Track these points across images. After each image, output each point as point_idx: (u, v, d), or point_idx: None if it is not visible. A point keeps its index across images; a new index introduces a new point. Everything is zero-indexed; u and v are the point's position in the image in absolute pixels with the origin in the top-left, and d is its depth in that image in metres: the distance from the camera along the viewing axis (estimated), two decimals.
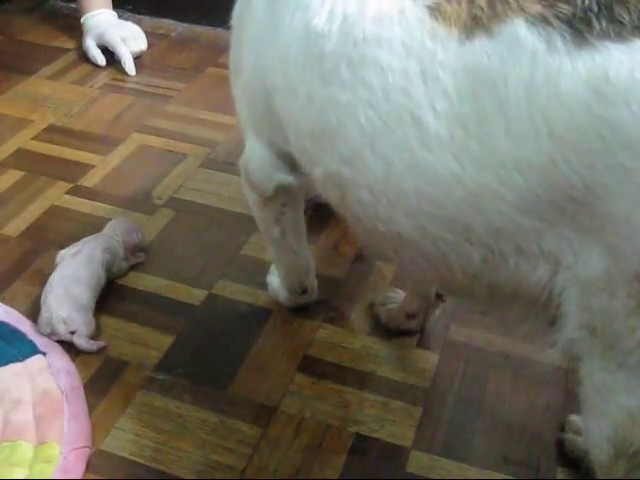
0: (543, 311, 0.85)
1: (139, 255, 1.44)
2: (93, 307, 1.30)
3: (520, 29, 0.74)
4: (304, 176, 1.04)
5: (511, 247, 0.80)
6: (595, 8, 0.71)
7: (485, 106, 0.75)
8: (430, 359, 1.27)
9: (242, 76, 1.07)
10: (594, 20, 0.71)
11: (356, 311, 1.36)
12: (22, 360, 1.20)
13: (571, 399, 1.18)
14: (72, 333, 1.25)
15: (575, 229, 0.75)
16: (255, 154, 1.11)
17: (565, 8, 0.72)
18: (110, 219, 1.53)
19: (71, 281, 1.29)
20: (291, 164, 1.07)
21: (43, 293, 1.29)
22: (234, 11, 1.09)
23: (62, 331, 1.24)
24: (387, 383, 1.22)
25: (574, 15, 0.72)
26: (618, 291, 0.74)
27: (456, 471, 1.09)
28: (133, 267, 1.43)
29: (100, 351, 1.25)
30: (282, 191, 1.13)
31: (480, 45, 0.76)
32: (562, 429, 1.14)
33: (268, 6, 0.97)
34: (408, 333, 1.30)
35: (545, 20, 0.73)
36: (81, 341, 1.25)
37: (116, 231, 1.42)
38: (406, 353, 1.28)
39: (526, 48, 0.73)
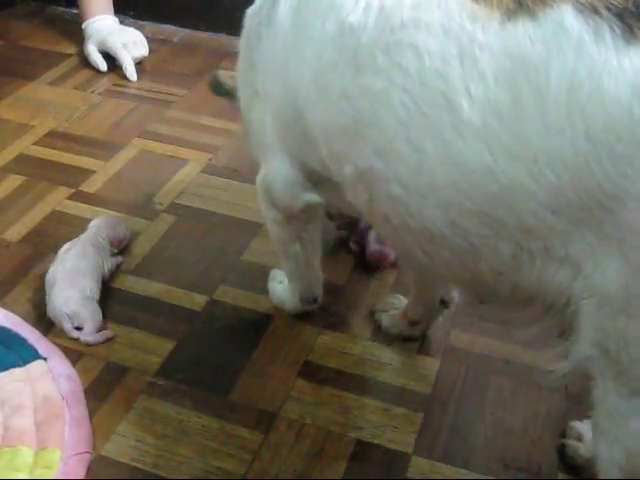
0: (556, 317, 0.82)
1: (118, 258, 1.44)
2: (97, 297, 1.31)
3: (567, 15, 0.70)
4: (330, 192, 1.04)
5: (540, 246, 0.77)
6: None
7: (523, 93, 0.72)
8: (431, 365, 1.27)
9: (267, 100, 1.06)
10: None
11: (357, 317, 1.35)
12: (23, 365, 1.20)
13: (572, 405, 1.18)
14: (78, 329, 1.26)
15: (599, 236, 0.72)
16: (281, 174, 1.10)
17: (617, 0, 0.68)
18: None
19: (74, 273, 1.31)
20: (317, 183, 1.07)
21: (47, 291, 1.30)
22: (248, 22, 1.07)
23: (68, 327, 1.26)
24: (388, 389, 1.22)
25: (626, 8, 0.67)
26: (636, 314, 0.71)
27: (457, 477, 1.09)
28: (134, 272, 1.43)
29: (101, 357, 1.25)
30: (308, 209, 1.14)
31: (523, 28, 0.72)
32: (563, 435, 1.14)
33: (294, 22, 0.95)
34: (409, 339, 1.30)
35: (594, 9, 0.68)
36: (87, 338, 1.26)
37: (100, 228, 1.44)
38: (407, 359, 1.28)
39: (571, 36, 0.69)
